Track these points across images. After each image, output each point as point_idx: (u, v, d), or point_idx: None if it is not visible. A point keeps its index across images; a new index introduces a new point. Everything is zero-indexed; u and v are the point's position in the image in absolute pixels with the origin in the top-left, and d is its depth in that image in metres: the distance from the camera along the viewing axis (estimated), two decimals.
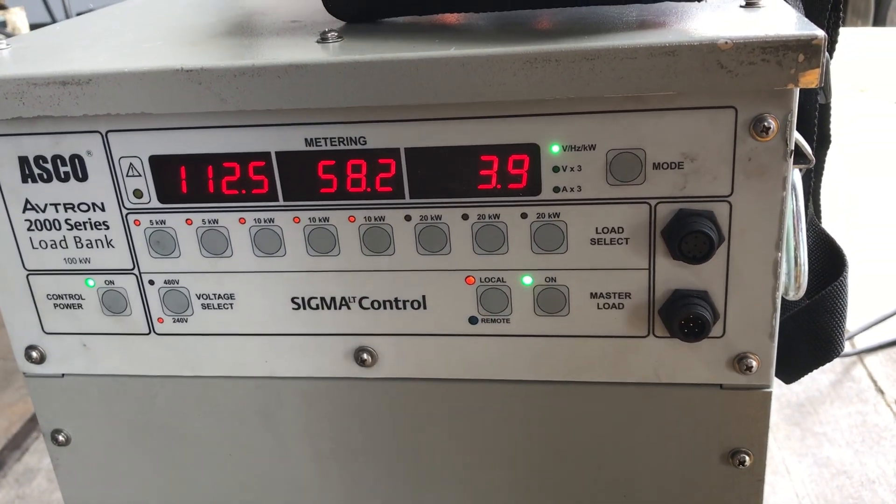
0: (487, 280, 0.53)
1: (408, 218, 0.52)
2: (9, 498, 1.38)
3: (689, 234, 0.48)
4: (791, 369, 0.66)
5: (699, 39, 0.43)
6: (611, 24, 0.49)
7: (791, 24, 0.44)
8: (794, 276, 0.52)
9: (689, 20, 0.47)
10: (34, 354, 0.60)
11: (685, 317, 0.50)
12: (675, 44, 0.43)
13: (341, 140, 0.50)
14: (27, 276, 0.58)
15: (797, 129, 0.47)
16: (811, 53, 0.42)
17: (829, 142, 0.66)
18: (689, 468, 0.56)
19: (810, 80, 0.43)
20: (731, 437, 0.55)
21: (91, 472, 0.64)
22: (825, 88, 0.60)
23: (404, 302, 0.55)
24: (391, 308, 0.55)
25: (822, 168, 0.69)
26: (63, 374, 0.61)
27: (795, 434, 1.39)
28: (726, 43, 0.42)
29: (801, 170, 0.56)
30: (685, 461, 0.56)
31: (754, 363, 0.52)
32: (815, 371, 0.65)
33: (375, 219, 0.52)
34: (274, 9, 0.68)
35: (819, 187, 0.70)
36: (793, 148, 0.47)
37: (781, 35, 0.42)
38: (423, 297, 0.54)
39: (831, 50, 0.64)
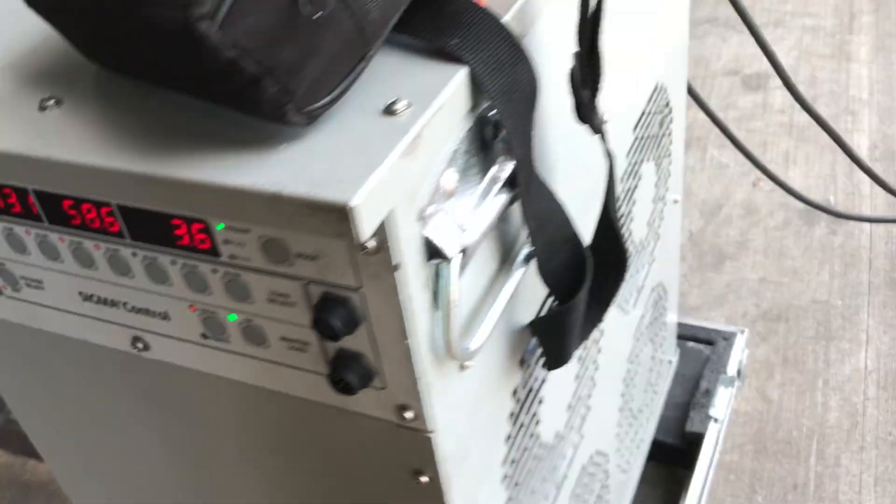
0: (205, 311, 0.62)
1: (134, 254, 0.61)
2: None
3: (317, 320, 0.54)
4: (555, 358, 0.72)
5: (260, 188, 0.47)
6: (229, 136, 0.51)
7: (342, 169, 0.46)
8: (447, 349, 0.57)
9: (316, 138, 0.50)
10: None
11: (333, 379, 0.57)
12: (240, 189, 0.47)
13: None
14: None
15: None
16: (345, 218, 0.45)
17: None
18: (380, 483, 0.65)
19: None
20: (412, 460, 0.63)
21: None
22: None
23: (153, 312, 0.65)
24: (147, 315, 0.65)
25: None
26: None
27: None
28: (280, 193, 0.46)
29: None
30: (376, 476, 0.65)
31: (412, 413, 0.59)
32: None
33: (114, 251, 0.61)
34: None
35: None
36: (398, 262, 0.50)
37: (311, 195, 0.45)
38: (166, 311, 0.64)
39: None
